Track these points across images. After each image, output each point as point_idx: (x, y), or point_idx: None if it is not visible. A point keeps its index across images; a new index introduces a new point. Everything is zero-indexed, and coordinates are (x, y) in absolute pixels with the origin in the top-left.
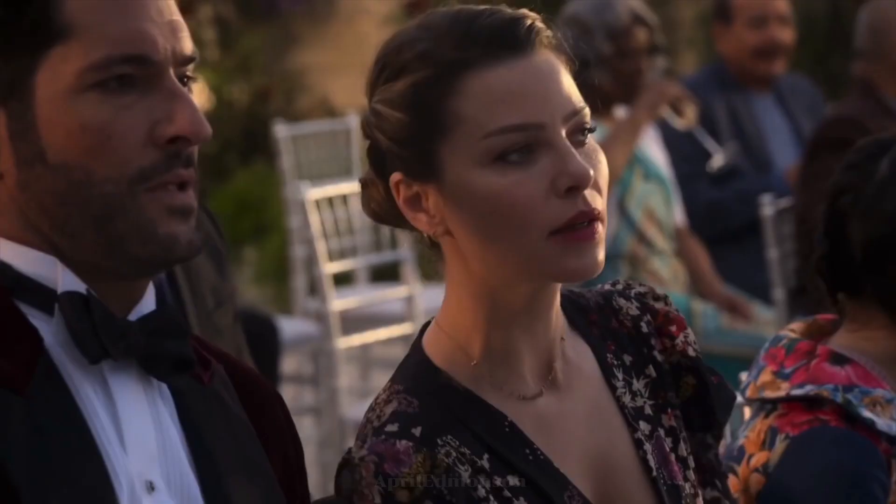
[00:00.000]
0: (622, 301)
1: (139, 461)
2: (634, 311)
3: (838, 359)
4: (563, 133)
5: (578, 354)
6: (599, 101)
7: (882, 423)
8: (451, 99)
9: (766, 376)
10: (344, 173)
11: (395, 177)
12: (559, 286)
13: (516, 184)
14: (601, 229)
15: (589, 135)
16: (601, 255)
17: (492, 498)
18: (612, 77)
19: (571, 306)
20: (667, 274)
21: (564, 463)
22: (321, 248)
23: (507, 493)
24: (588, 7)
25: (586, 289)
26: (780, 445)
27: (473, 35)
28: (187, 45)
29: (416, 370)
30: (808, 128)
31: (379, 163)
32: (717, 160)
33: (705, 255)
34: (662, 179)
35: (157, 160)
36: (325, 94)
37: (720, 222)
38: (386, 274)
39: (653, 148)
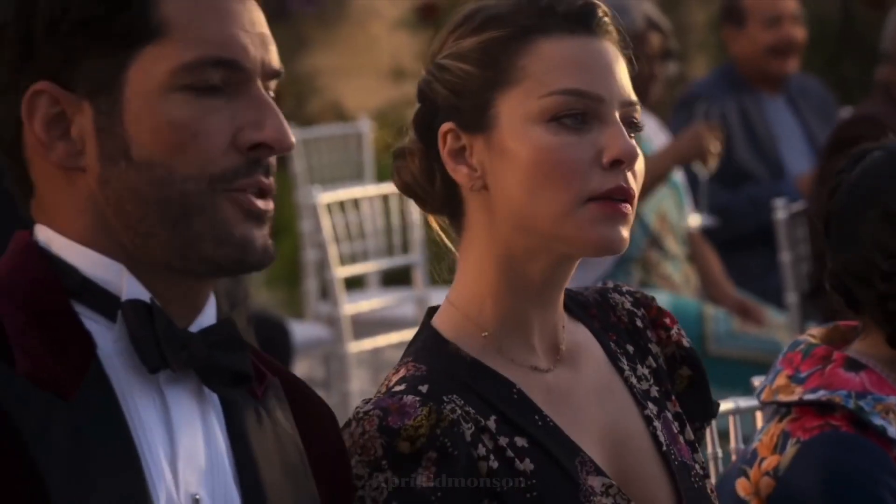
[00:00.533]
0: (617, 297)
1: (189, 474)
2: (629, 306)
3: (853, 365)
4: (617, 115)
5: (582, 338)
6: None
7: (894, 430)
8: (520, 56)
9: (781, 380)
10: (355, 177)
11: (446, 126)
12: (573, 268)
13: (566, 145)
14: (632, 211)
15: (634, 136)
16: (627, 234)
17: (492, 457)
18: None
19: (572, 301)
20: (679, 278)
21: (576, 435)
22: (333, 252)
23: (510, 453)
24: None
25: (583, 287)
26: (790, 449)
27: (552, 8)
28: (276, 60)
29: (424, 343)
30: (819, 128)
31: (427, 122)
32: (696, 219)
33: (717, 260)
34: (675, 184)
35: (239, 164)
36: (335, 98)
37: (731, 227)
38: (397, 278)
39: None
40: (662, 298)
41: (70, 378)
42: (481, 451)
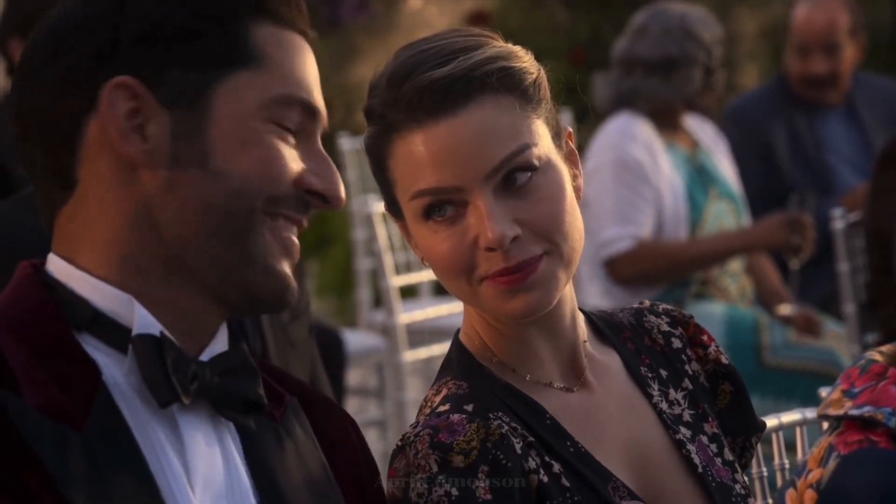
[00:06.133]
0: (653, 318)
1: (207, 501)
2: (665, 327)
3: None
4: (489, 187)
5: (605, 356)
6: (667, 117)
7: None
8: (387, 160)
9: (835, 394)
10: None
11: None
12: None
13: (444, 240)
14: (545, 267)
15: (530, 174)
16: (545, 291)
17: (542, 471)
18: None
19: (604, 323)
20: (735, 291)
21: (602, 454)
22: (388, 261)
23: (556, 469)
24: (694, 17)
25: (617, 308)
26: (831, 463)
27: (400, 98)
28: (324, 108)
29: (459, 361)
30: (883, 137)
31: None
32: (787, 308)
33: (775, 271)
34: (734, 197)
35: (291, 195)
36: None
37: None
38: None
39: (724, 163)
40: (718, 309)
41: (78, 409)
42: (531, 464)
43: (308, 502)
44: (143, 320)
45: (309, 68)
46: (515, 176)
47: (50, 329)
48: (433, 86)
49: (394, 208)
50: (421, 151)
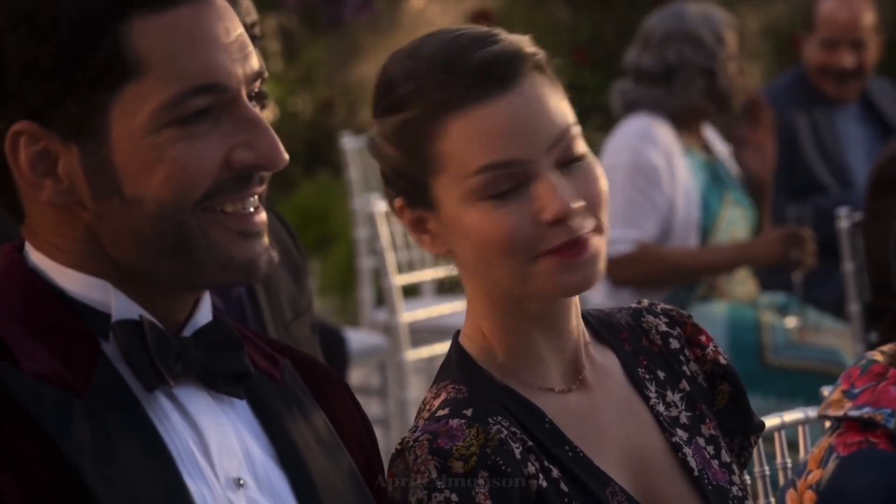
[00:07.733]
0: (651, 318)
1: (226, 461)
2: (663, 328)
3: None
4: (550, 161)
5: (604, 358)
6: (686, 120)
7: None
8: (438, 139)
9: (836, 394)
10: None
11: (398, 202)
12: (573, 299)
13: (504, 218)
14: (595, 244)
15: (584, 152)
16: (595, 268)
17: (541, 476)
18: (706, 90)
19: (601, 324)
20: (742, 295)
21: (600, 458)
22: (391, 260)
23: (555, 474)
24: (695, 17)
25: (616, 308)
26: (831, 465)
27: (457, 74)
28: (255, 62)
29: (459, 364)
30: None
31: (386, 183)
32: (792, 321)
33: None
34: (746, 203)
35: (225, 180)
36: None
37: None
38: (451, 286)
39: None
40: (719, 309)
41: (79, 377)
42: (531, 469)
43: (321, 460)
44: (121, 304)
45: (205, 41)
46: (572, 151)
47: (44, 308)
48: (494, 60)
49: (419, 198)
50: (484, 127)
